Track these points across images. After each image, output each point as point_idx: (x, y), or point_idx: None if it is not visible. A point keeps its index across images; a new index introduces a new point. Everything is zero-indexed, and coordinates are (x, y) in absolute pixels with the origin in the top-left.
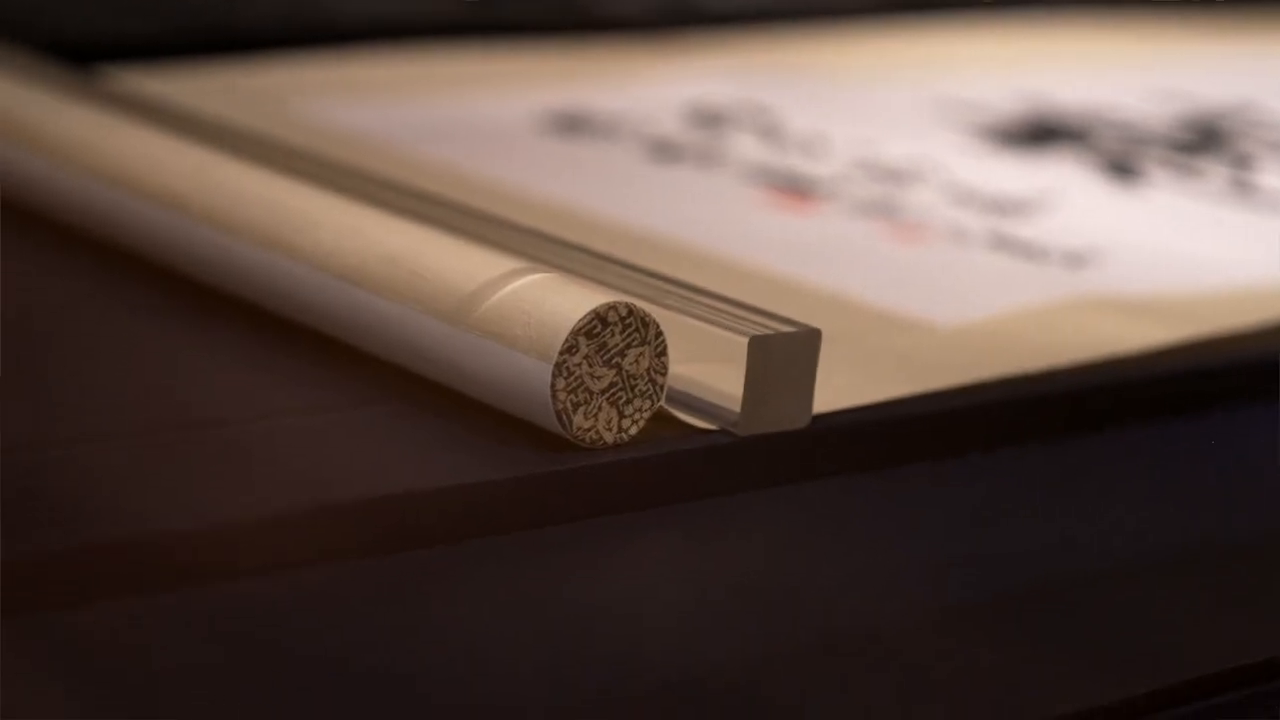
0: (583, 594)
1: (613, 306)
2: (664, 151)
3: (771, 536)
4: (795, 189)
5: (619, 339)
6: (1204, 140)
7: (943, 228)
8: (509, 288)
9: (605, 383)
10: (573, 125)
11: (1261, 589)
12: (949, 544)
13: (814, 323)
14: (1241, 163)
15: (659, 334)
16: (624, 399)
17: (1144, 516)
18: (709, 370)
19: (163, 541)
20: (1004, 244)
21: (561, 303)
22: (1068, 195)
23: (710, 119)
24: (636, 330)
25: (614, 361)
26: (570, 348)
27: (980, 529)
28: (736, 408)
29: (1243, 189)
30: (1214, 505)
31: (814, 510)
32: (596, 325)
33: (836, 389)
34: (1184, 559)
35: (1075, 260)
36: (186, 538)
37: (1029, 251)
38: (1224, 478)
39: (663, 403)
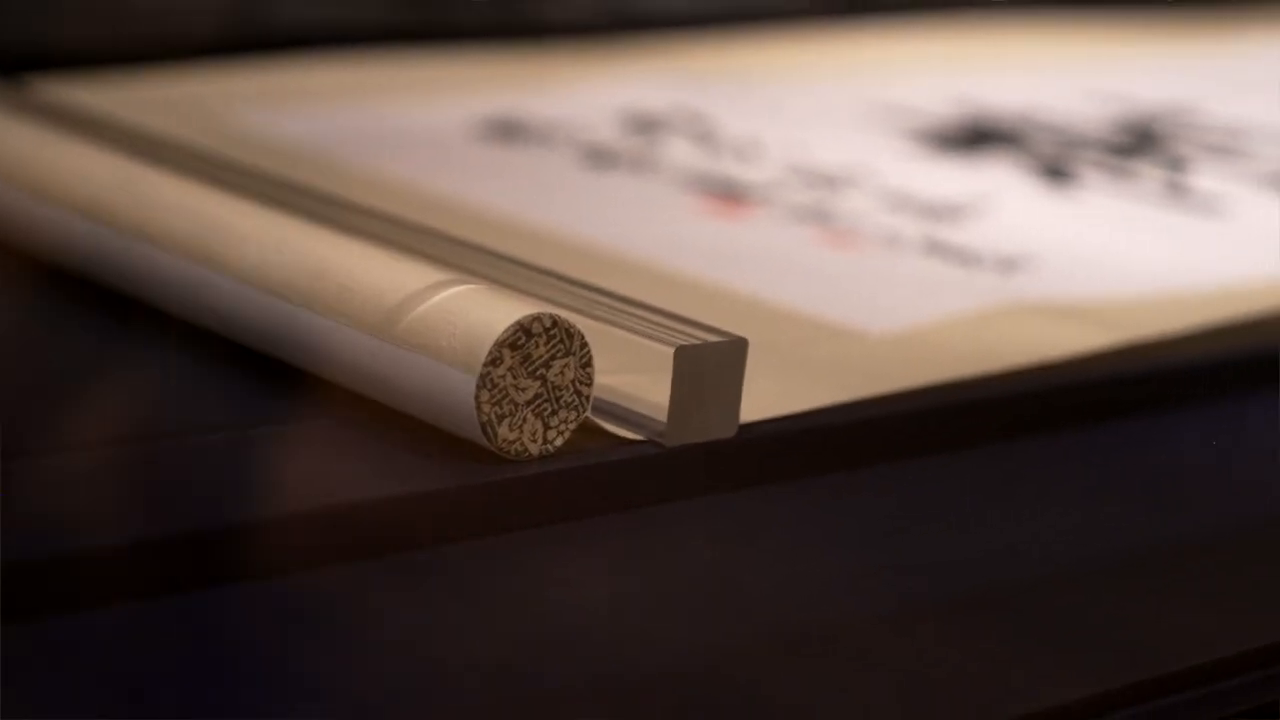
0: (509, 606)
1: (537, 318)
2: (599, 158)
3: (699, 546)
4: (729, 195)
5: (543, 350)
6: (1139, 143)
7: (876, 234)
8: (434, 299)
9: (530, 394)
10: (508, 132)
11: (1201, 589)
12: (879, 552)
13: (744, 331)
14: (1176, 165)
15: (584, 345)
16: (549, 410)
17: (1078, 521)
18: (635, 380)
19: (95, 557)
20: (937, 249)
21: (486, 314)
22: (1002, 199)
23: (645, 125)
24: (561, 341)
25: (539, 373)
26: (494, 359)
27: (910, 536)
28: (663, 418)
29: (1177, 191)
30: (1148, 508)
31: (742, 519)
32: (521, 337)
33: (765, 398)
34: (1120, 562)
35: (1008, 265)
36: (117, 553)
37: (962, 257)
38: (1157, 481)
39: (588, 414)
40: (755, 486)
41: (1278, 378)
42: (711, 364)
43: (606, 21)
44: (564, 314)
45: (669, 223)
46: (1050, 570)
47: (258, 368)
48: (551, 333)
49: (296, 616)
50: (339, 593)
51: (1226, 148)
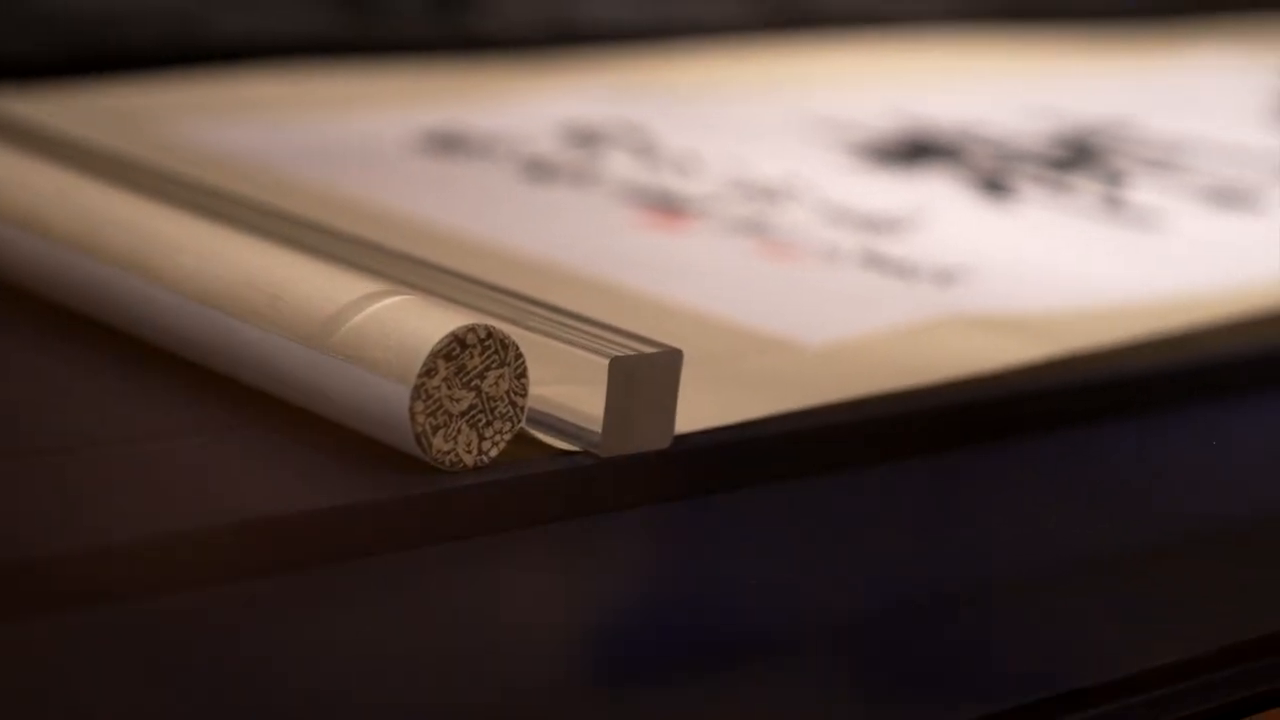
0: (445, 616)
1: (471, 329)
2: (539, 170)
3: (634, 557)
4: (668, 208)
5: (478, 361)
6: (1076, 157)
7: (814, 246)
8: (368, 310)
9: (465, 405)
10: (449, 144)
11: (1138, 598)
12: (814, 562)
13: (681, 343)
14: (1113, 179)
15: (519, 356)
16: (484, 421)
17: (1015, 531)
18: (570, 392)
19: (29, 566)
20: (875, 262)
21: (420, 325)
22: (940, 213)
23: (585, 138)
24: (496, 352)
25: (473, 384)
26: (429, 370)
27: (847, 546)
28: (598, 429)
29: (1114, 205)
30: (1084, 518)
31: (677, 530)
32: (455, 348)
33: (701, 409)
34: (1058, 571)
35: (945, 278)
36: (53, 562)
37: (900, 269)
38: (1094, 491)
39: (523, 424)
40: (690, 498)
41: (1212, 389)
42: (646, 375)
43: (547, 34)
44: (499, 325)
45: (608, 235)
46: (988, 579)
47: (194, 379)
48: (486, 344)
49: (228, 629)
50: (273, 605)
51: (1163, 162)
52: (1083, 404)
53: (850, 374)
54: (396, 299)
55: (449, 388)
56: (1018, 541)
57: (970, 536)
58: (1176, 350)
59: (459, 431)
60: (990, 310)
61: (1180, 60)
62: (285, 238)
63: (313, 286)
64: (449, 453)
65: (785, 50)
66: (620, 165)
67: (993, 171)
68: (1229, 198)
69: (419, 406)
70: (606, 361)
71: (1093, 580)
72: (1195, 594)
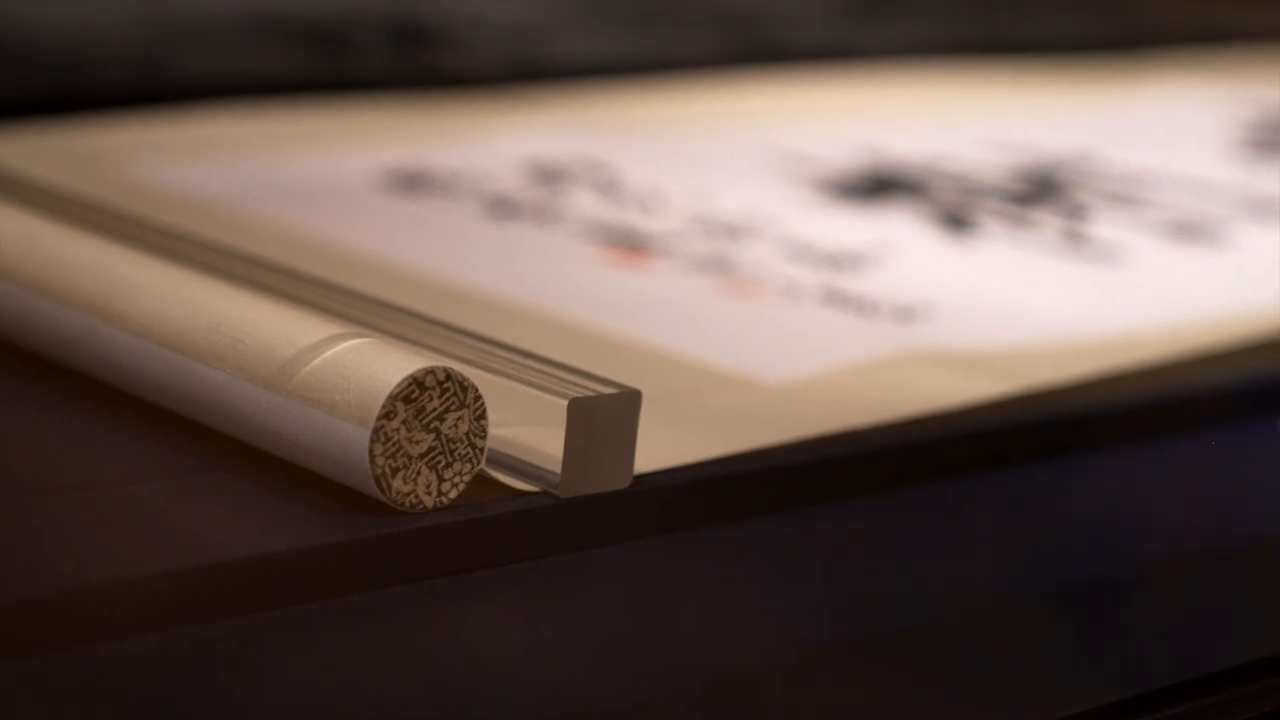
0: (406, 658)
1: (430, 371)
2: (502, 208)
3: (595, 598)
4: (631, 245)
5: (437, 403)
6: (1038, 191)
7: (776, 283)
8: (328, 353)
9: (424, 447)
10: (412, 183)
11: (1098, 634)
12: (775, 601)
13: (642, 381)
14: (1075, 213)
15: (478, 397)
16: (443, 463)
17: (974, 567)
18: (530, 432)
19: None
20: (837, 299)
21: (379, 368)
22: (901, 248)
23: (549, 175)
24: (455, 394)
25: (432, 426)
26: (388, 413)
27: (808, 584)
28: (557, 470)
29: (1075, 240)
30: (1045, 554)
31: (638, 571)
32: (414, 390)
33: (661, 448)
34: (1016, 607)
35: (907, 315)
36: (12, 608)
37: (861, 306)
38: (1053, 528)
39: (483, 466)
40: (651, 538)
41: (1173, 425)
42: (606, 415)
43: (510, 71)
44: (458, 366)
45: (571, 273)
46: (947, 616)
47: (155, 422)
48: (445, 386)
49: (190, 672)
50: (234, 648)
51: (1125, 196)
52: (1043, 440)
53: (810, 411)
54: (356, 341)
55: (408, 430)
56: (980, 577)
57: (933, 573)
58: (1137, 385)
59: (418, 473)
60: (952, 347)
61: (1142, 93)
62: (247, 279)
63: (273, 329)
64: (409, 494)
65: (750, 85)
66: (583, 203)
67: (954, 207)
68: (1190, 232)
69: (378, 449)
70: (565, 402)
71: (1055, 615)
72: (1159, 628)
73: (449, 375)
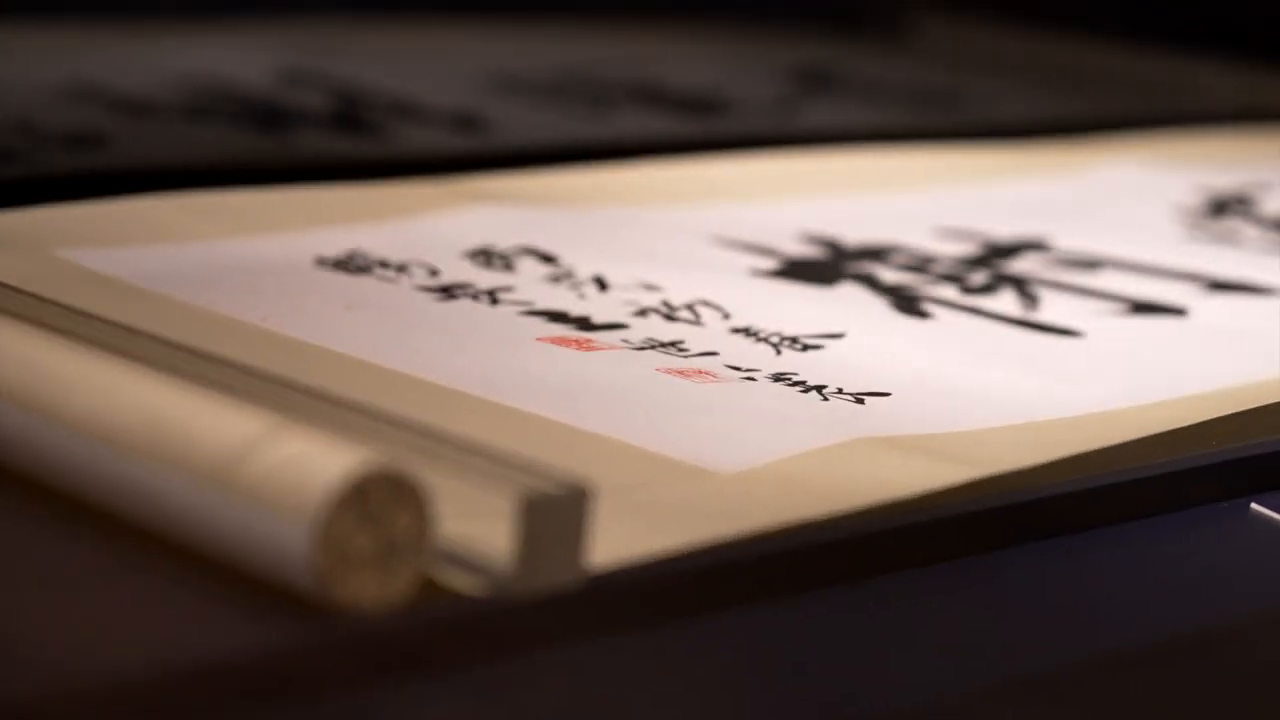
0: None
1: (374, 470)
2: (447, 293)
3: (546, 700)
4: (578, 330)
5: (382, 502)
6: (991, 274)
7: (727, 367)
8: (270, 451)
9: (368, 547)
10: (353, 266)
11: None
12: (731, 697)
13: (593, 471)
14: (1028, 296)
15: (424, 497)
16: (388, 562)
17: (938, 660)
18: (477, 529)
19: None
20: (789, 383)
21: (324, 467)
22: (853, 331)
23: (494, 258)
24: (400, 494)
25: (376, 525)
26: (331, 514)
27: (766, 680)
28: (507, 567)
29: (1029, 322)
30: (1004, 643)
31: (591, 669)
32: (359, 490)
33: (613, 543)
34: (978, 694)
35: (859, 398)
36: None
37: (813, 391)
38: (1013, 616)
39: (430, 565)
40: (603, 635)
41: (1133, 507)
42: (557, 512)
43: (457, 155)
44: (403, 463)
45: (517, 360)
46: (914, 707)
47: (89, 520)
48: (389, 485)
49: None
50: None
51: (1079, 279)
52: (1000, 526)
53: (764, 501)
54: (298, 439)
55: (351, 530)
56: (941, 667)
57: (895, 667)
58: (1094, 469)
59: (363, 574)
60: (907, 432)
61: (1094, 175)
62: (183, 371)
63: (211, 426)
64: (353, 596)
65: (698, 168)
66: (530, 286)
67: (906, 289)
68: (1145, 313)
69: (322, 550)
70: (515, 499)
71: (1017, 703)
72: (1123, 714)
73: (393, 474)
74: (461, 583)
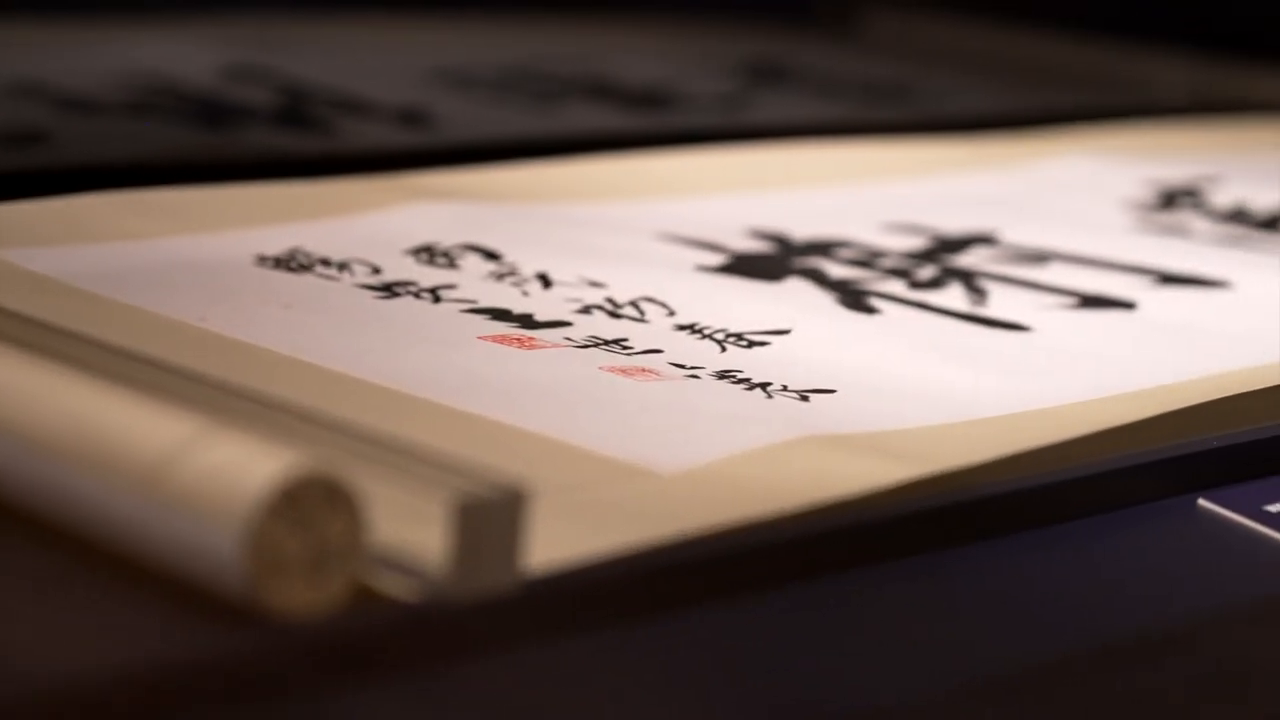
0: None
1: (308, 474)
2: (389, 291)
3: (482, 706)
4: (521, 328)
5: (314, 507)
6: (939, 269)
7: (671, 366)
8: (201, 455)
9: (301, 553)
10: (297, 265)
11: None
12: (671, 702)
13: (534, 471)
14: (976, 291)
15: (357, 501)
16: (322, 568)
17: (884, 663)
18: (413, 532)
19: None
20: (733, 381)
21: (255, 472)
22: (799, 327)
23: (438, 256)
24: (333, 498)
25: (310, 530)
26: (262, 520)
27: (705, 681)
28: (443, 571)
29: (977, 317)
30: (950, 645)
31: (527, 675)
32: (290, 495)
33: (555, 544)
34: (926, 698)
35: (804, 395)
36: None
37: (758, 388)
38: (955, 617)
39: (364, 570)
40: (542, 639)
41: (1080, 506)
42: (492, 515)
43: (403, 150)
44: (337, 466)
45: (460, 358)
46: (856, 709)
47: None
48: (322, 489)
49: None
50: None
51: (1026, 273)
52: (951, 526)
53: (707, 501)
54: (229, 442)
55: (283, 536)
56: (886, 668)
57: (839, 670)
58: (1042, 466)
59: (295, 579)
60: (852, 429)
61: (1043, 168)
62: (114, 373)
63: (141, 430)
64: (285, 602)
65: (647, 163)
66: (472, 285)
67: (853, 285)
68: (1094, 307)
69: (252, 556)
70: (449, 503)
71: (965, 703)
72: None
73: (325, 478)
74: (396, 588)
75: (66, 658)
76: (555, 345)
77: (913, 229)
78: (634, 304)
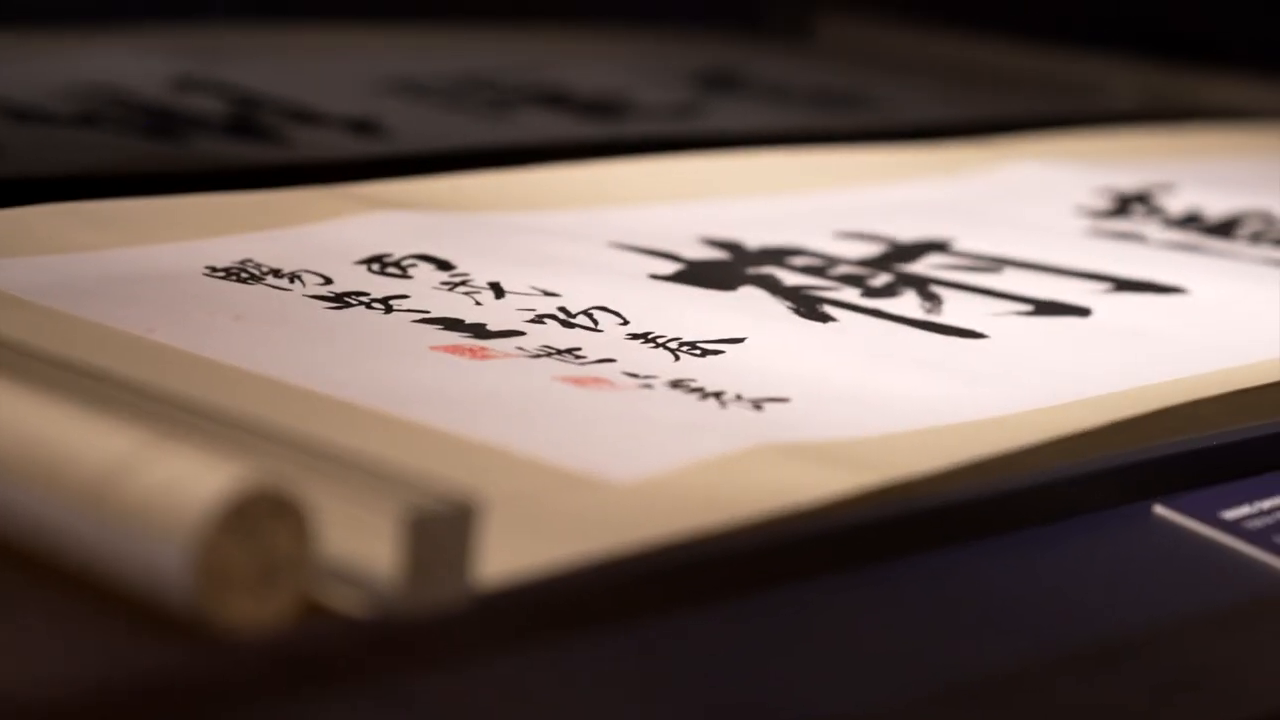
0: None
1: (255, 488)
2: (340, 302)
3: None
4: (473, 338)
5: (262, 521)
6: (893, 277)
7: (624, 375)
8: (147, 470)
9: (249, 567)
10: (247, 275)
11: None
12: (625, 712)
13: (486, 482)
14: (930, 299)
15: (307, 515)
16: (270, 582)
17: (838, 672)
18: (362, 546)
19: None
20: (687, 390)
21: (201, 486)
22: (753, 336)
23: (390, 266)
24: (280, 511)
25: (257, 544)
26: (209, 535)
27: (654, 691)
28: (392, 585)
29: (932, 325)
30: (900, 653)
31: (478, 688)
32: (237, 509)
33: (507, 555)
34: (883, 707)
35: (760, 405)
36: None
37: (712, 397)
38: (910, 625)
39: (313, 583)
40: (492, 651)
41: (1035, 513)
42: (441, 528)
43: (355, 159)
44: (287, 479)
45: (411, 368)
46: (812, 718)
47: None
48: (269, 502)
49: None
50: None
51: (980, 280)
52: (896, 535)
53: (660, 511)
54: (175, 456)
55: (230, 550)
56: (842, 676)
57: (794, 680)
58: (997, 474)
59: (243, 594)
60: (806, 438)
61: (997, 175)
62: (59, 386)
63: (86, 444)
64: (233, 616)
65: (600, 171)
66: (424, 295)
67: (808, 292)
68: (1048, 313)
69: (198, 572)
70: (400, 515)
71: (923, 711)
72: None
73: (273, 491)
74: (345, 601)
75: (7, 677)
76: (508, 355)
77: (866, 236)
78: (587, 313)
